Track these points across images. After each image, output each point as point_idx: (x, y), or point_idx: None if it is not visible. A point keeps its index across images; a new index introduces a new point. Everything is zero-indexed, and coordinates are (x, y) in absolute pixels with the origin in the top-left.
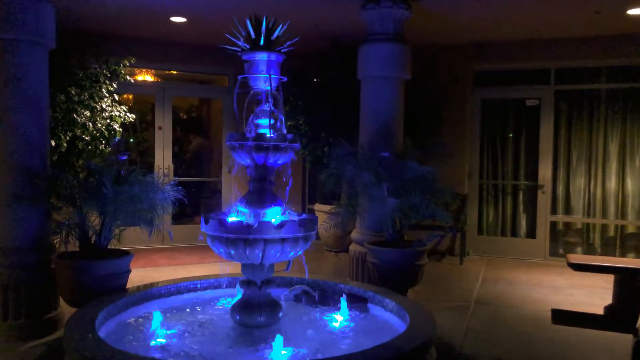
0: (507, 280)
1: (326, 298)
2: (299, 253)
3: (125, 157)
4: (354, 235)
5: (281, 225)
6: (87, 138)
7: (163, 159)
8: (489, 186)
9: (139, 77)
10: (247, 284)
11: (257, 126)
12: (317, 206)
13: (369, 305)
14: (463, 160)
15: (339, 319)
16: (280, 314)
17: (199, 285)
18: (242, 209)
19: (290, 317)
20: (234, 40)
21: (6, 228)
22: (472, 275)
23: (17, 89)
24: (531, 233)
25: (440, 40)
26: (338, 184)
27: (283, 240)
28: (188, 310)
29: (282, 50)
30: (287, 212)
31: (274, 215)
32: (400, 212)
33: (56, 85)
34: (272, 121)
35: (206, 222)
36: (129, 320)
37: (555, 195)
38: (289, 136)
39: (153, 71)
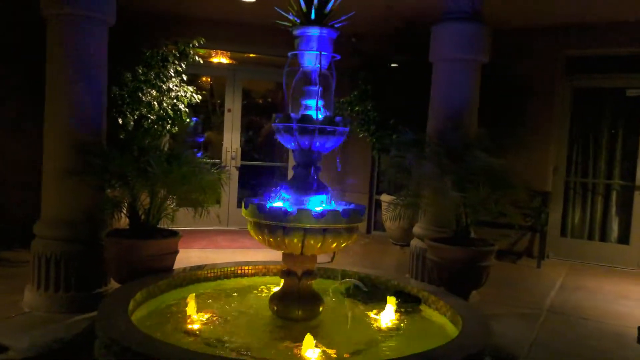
0: (589, 289)
1: (377, 294)
2: (342, 245)
3: (202, 139)
4: (416, 229)
5: (322, 215)
6: (152, 117)
7: (231, 142)
8: (577, 184)
9: (215, 59)
10: (287, 274)
11: (305, 107)
12: (384, 197)
13: (422, 306)
14: (548, 155)
15: (386, 319)
16: (321, 308)
17: (247, 271)
18: (285, 195)
19: (334, 312)
20: (286, 15)
21: (59, 201)
22: (549, 280)
23: (74, 63)
24: (624, 239)
25: (526, 21)
26: (400, 173)
27: (324, 230)
28: (231, 296)
29: (336, 26)
30: (333, 201)
31: (318, 203)
32: (466, 208)
33: (124, 63)
34: (322, 102)
35: (245, 206)
36: (169, 303)
37: None
38: (338, 119)
39: (229, 54)
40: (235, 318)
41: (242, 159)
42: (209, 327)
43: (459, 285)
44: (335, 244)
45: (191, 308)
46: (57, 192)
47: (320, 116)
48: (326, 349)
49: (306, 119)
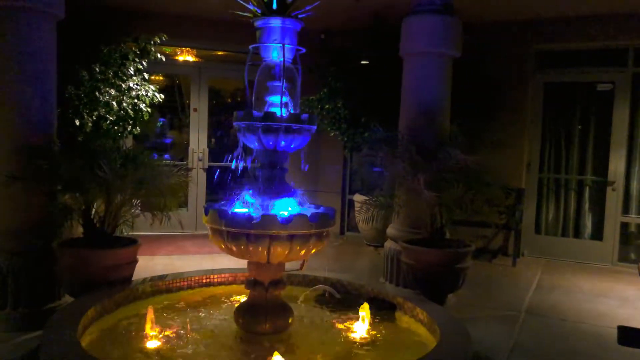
0: (566, 287)
1: (350, 301)
2: (312, 251)
3: (169, 140)
4: (390, 230)
5: (288, 220)
6: (112, 118)
7: (198, 142)
8: (550, 180)
9: (180, 57)
10: (252, 284)
11: (269, 105)
12: (357, 197)
13: (398, 313)
14: (522, 150)
15: (361, 329)
16: (291, 320)
17: (213, 280)
18: (250, 198)
19: (305, 322)
20: (246, 5)
21: (4, 209)
22: (525, 279)
23: (18, 59)
24: (597, 234)
25: (497, 15)
26: (372, 173)
27: (291, 237)
28: (195, 308)
29: (301, 17)
30: (301, 204)
31: (285, 207)
32: (440, 207)
33: (80, 61)
34: (287, 99)
35: (205, 212)
36: (127, 317)
37: (629, 193)
38: (304, 116)
39: (195, 51)
40: (198, 333)
41: (210, 160)
42: (169, 345)
43: (436, 288)
44: (304, 251)
45: (148, 325)
46: (1, 199)
47: (285, 114)
48: None
49: (270, 116)
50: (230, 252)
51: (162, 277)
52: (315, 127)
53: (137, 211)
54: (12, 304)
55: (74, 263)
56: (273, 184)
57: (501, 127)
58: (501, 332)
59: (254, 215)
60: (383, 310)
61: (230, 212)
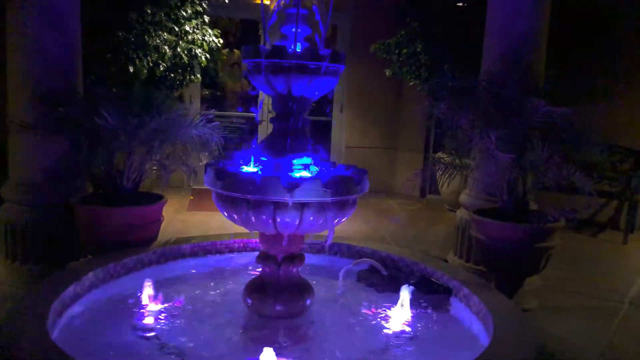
0: None
1: (400, 281)
2: (335, 222)
3: (255, 93)
4: (463, 197)
5: (294, 185)
6: (164, 64)
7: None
8: None
9: None
10: (263, 258)
11: (283, 38)
12: (441, 155)
13: (453, 299)
14: None
15: (397, 317)
16: (309, 302)
17: (248, 245)
18: (263, 156)
19: (334, 305)
20: None
21: (21, 161)
22: (636, 261)
23: (35, 5)
24: None
25: None
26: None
27: (302, 205)
28: (214, 278)
29: None
30: (328, 165)
31: (300, 168)
32: (520, 172)
33: (132, 4)
34: (302, 31)
35: (205, 171)
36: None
37: None
38: (325, 51)
39: None
40: (202, 313)
41: None
42: (170, 324)
43: (509, 271)
44: (321, 221)
45: (146, 297)
46: (22, 150)
47: (299, 48)
48: None
49: (278, 52)
50: (233, 219)
51: (187, 239)
52: (343, 67)
53: (165, 165)
54: (33, 260)
55: (89, 221)
56: (286, 139)
57: (617, 74)
58: (592, 329)
59: (253, 177)
60: (436, 295)
61: (227, 172)
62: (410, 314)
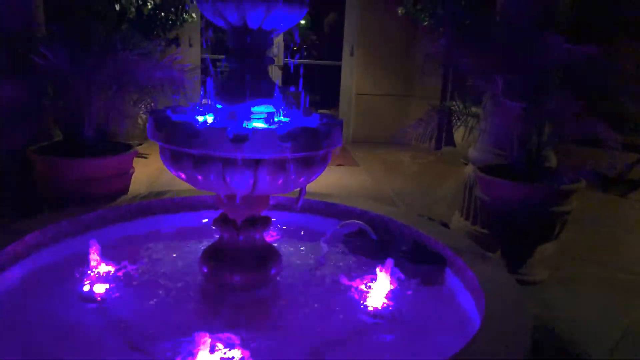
0: None
1: (389, 247)
2: (300, 180)
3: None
4: (471, 151)
5: (242, 138)
6: (151, 1)
7: None
8: None
9: None
10: (221, 222)
11: None
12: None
13: (447, 270)
14: None
15: (377, 292)
16: (274, 271)
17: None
18: (218, 104)
19: (310, 276)
20: None
21: None
22: None
23: None
24: None
25: None
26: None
27: (256, 162)
28: (184, 238)
29: None
30: (297, 113)
31: (262, 116)
32: (532, 123)
33: None
34: None
35: (148, 120)
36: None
37: None
38: None
39: None
40: (160, 279)
41: (287, 57)
42: (120, 292)
43: (517, 238)
44: (281, 181)
45: (97, 260)
46: None
47: None
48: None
49: None
50: (180, 177)
51: (159, 194)
52: None
53: (121, 111)
54: None
55: (47, 173)
56: (244, 81)
57: None
58: (611, 307)
59: (198, 126)
60: (428, 266)
61: (167, 121)
62: (394, 288)
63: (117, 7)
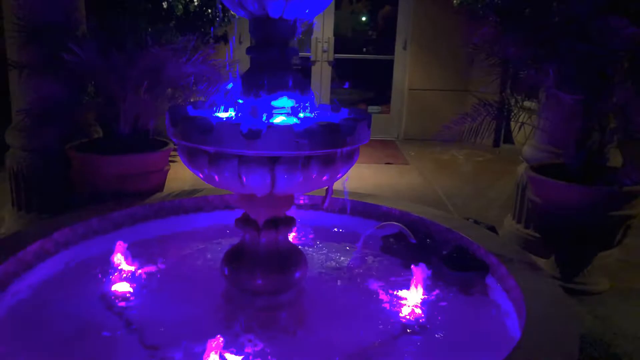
0: None
1: (430, 251)
2: (323, 179)
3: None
4: (526, 149)
5: (255, 134)
6: None
7: (323, 30)
8: None
9: None
10: (242, 222)
11: None
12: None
13: (490, 279)
14: None
15: (411, 300)
16: (298, 275)
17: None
18: (240, 99)
19: (340, 280)
20: None
21: (15, 103)
22: None
23: None
24: None
25: None
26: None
27: (273, 160)
28: (214, 240)
29: None
30: (327, 108)
31: (285, 111)
32: (593, 118)
33: None
34: None
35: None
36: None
37: None
38: None
39: None
40: (186, 279)
41: (338, 52)
42: (143, 294)
43: (571, 244)
44: (300, 179)
45: (123, 259)
46: (16, 91)
47: None
48: None
49: None
50: (198, 176)
51: (193, 192)
52: None
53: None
54: (38, 208)
55: (83, 169)
56: (265, 74)
57: None
58: None
59: (214, 122)
60: (469, 273)
61: (181, 116)
62: (429, 296)
63: (165, 5)
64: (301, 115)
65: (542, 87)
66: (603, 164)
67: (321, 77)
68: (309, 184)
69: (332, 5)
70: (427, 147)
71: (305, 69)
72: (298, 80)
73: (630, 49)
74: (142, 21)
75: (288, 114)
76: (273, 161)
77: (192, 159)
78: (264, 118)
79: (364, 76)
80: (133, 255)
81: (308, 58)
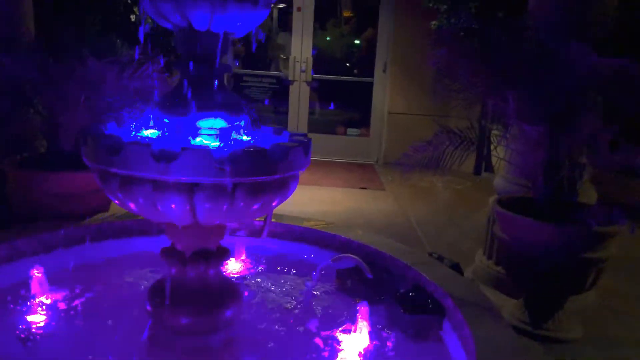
0: None
1: (385, 288)
2: (252, 208)
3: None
4: (497, 180)
5: (169, 157)
6: None
7: (301, 50)
8: None
9: None
10: (167, 253)
11: None
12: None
13: (446, 325)
14: None
15: (362, 345)
16: (229, 314)
17: None
18: (164, 117)
19: (282, 320)
20: None
21: None
22: None
23: None
24: None
25: None
26: None
27: (191, 186)
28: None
29: None
30: (250, 127)
31: (212, 132)
32: (559, 152)
33: None
34: None
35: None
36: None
37: None
38: None
39: None
40: (110, 312)
41: (320, 73)
42: (57, 323)
43: (540, 286)
44: (225, 208)
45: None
46: None
47: None
48: None
49: None
50: (113, 200)
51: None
52: None
53: None
54: None
55: (20, 187)
56: (194, 91)
57: None
58: None
59: (123, 141)
60: (423, 316)
61: (90, 135)
62: (375, 342)
63: (132, 18)
64: (234, 137)
65: (503, 117)
66: (574, 200)
67: (299, 97)
68: (237, 214)
69: (311, 25)
70: (404, 173)
71: (277, 88)
72: (231, 99)
73: (594, 78)
74: (91, 32)
75: (216, 136)
76: (191, 188)
77: (104, 183)
78: (193, 140)
79: (344, 98)
80: (58, 283)
81: (283, 78)
